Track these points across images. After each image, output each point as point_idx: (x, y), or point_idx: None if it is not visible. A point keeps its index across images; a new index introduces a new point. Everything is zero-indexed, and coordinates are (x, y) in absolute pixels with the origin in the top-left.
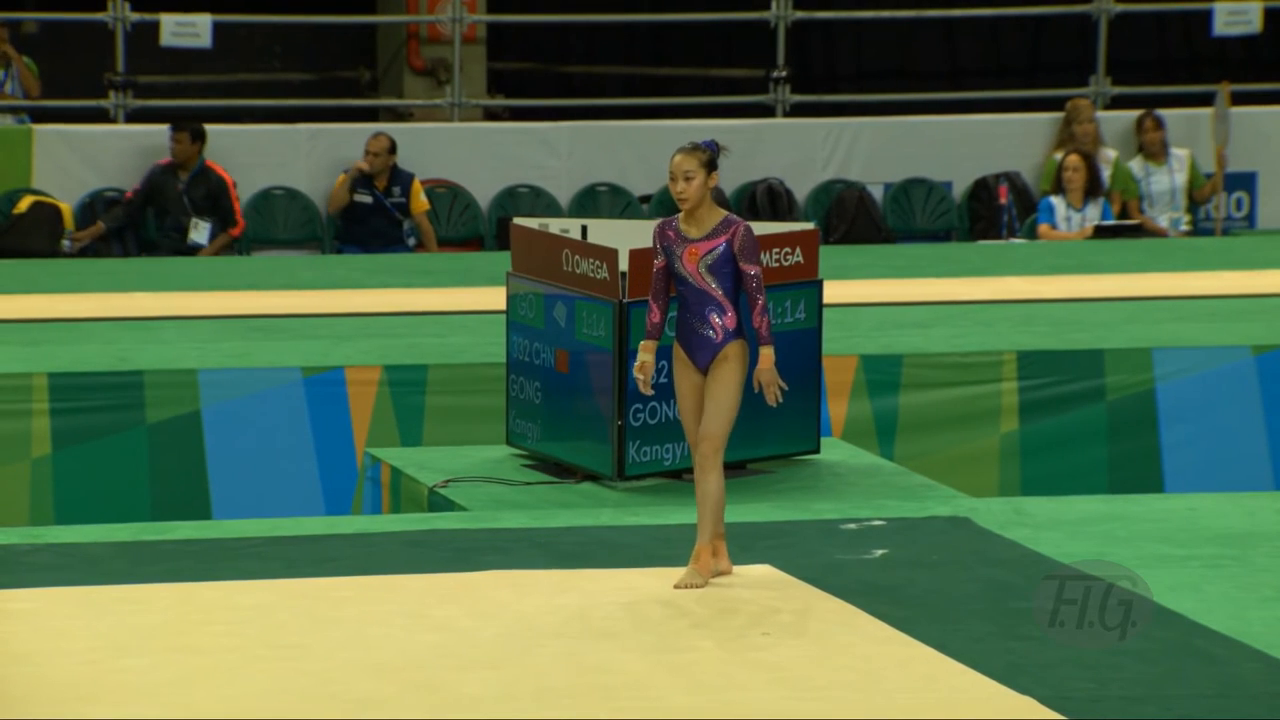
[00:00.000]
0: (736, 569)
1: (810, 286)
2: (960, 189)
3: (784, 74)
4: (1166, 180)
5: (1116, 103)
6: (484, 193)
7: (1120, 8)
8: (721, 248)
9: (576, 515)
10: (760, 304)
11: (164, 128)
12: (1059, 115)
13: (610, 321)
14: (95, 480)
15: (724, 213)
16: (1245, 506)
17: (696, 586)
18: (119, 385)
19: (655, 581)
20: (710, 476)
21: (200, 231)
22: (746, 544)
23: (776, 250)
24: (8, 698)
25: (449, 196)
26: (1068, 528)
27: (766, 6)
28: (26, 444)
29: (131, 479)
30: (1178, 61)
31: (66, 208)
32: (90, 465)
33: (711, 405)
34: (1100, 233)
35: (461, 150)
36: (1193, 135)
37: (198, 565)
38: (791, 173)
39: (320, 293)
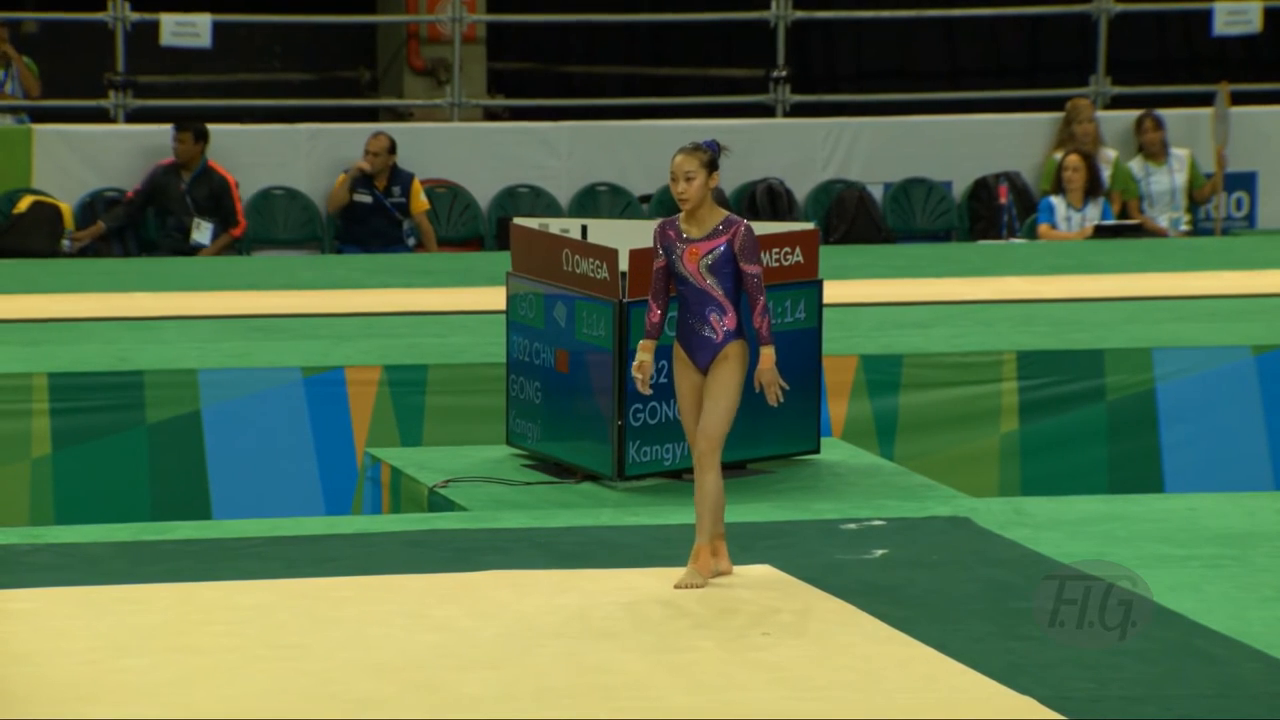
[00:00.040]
0: (736, 569)
1: (810, 286)
2: (960, 189)
3: (784, 74)
4: (1166, 180)
5: (1116, 103)
6: (484, 193)
7: (1120, 8)
8: (722, 248)
9: (576, 515)
10: (761, 304)
11: (164, 128)
12: (1059, 115)
13: (610, 321)
14: (95, 480)
15: (725, 213)
16: (1245, 506)
17: (696, 586)
18: (119, 385)
19: (655, 581)
20: (708, 475)
21: (203, 232)
22: (746, 544)
23: (776, 250)
24: (8, 698)
25: (449, 196)
26: (1068, 528)
27: (766, 6)
28: (26, 444)
29: (131, 479)
30: (1178, 61)
31: (66, 208)
32: (90, 465)
33: (710, 404)
34: (1100, 233)
35: (461, 150)
36: (1193, 135)
37: (198, 565)
38: (791, 173)
39: (320, 293)
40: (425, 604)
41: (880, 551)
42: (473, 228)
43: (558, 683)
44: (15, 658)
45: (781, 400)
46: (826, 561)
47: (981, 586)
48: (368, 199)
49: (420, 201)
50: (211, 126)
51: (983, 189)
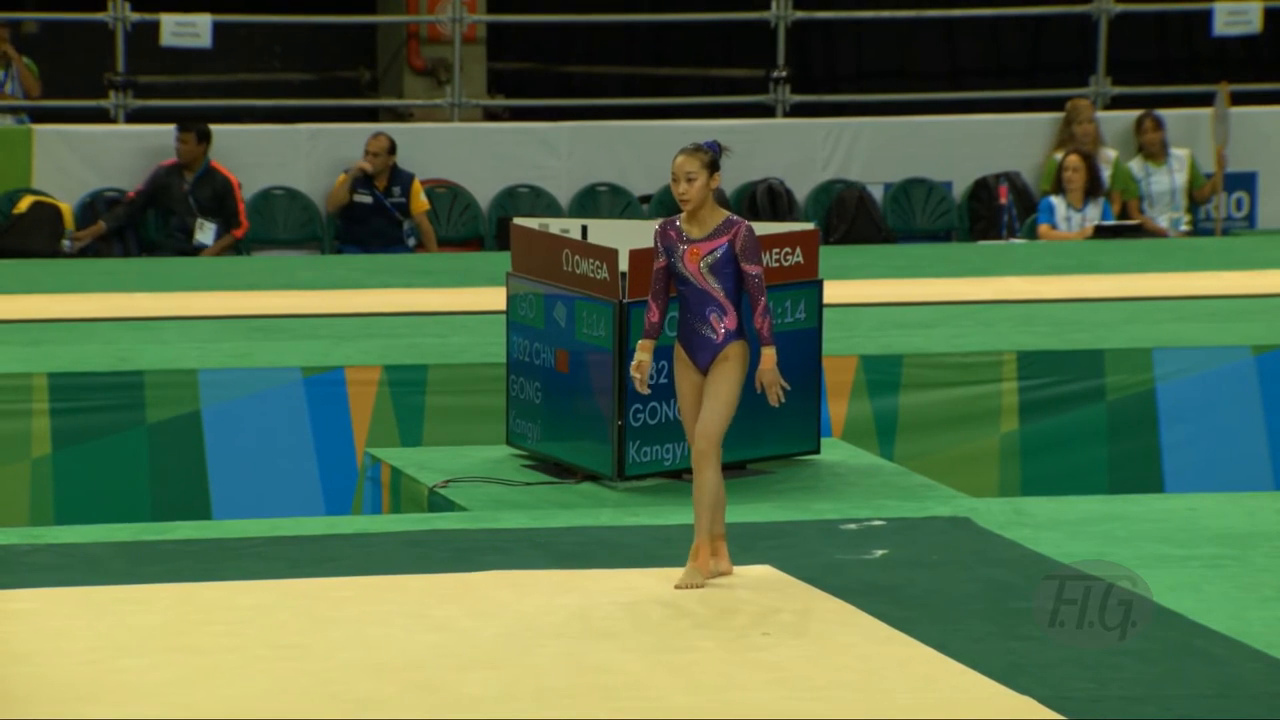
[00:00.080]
0: (736, 569)
1: (810, 286)
2: (960, 189)
3: (784, 74)
4: (1166, 180)
5: (1116, 103)
6: (484, 193)
7: (1120, 8)
8: (723, 248)
9: (576, 515)
10: (762, 304)
11: (164, 128)
12: (1059, 115)
13: (610, 321)
14: (95, 480)
15: (726, 213)
16: (1245, 506)
17: (697, 586)
18: (119, 385)
19: (655, 581)
20: (706, 474)
21: (206, 232)
22: (746, 544)
23: (777, 250)
24: (8, 698)
25: (449, 196)
26: (1068, 528)
27: (766, 6)
28: (26, 444)
29: (131, 479)
30: (1178, 61)
31: (67, 208)
32: (90, 465)
33: (709, 403)
34: (1100, 233)
35: (461, 150)
36: (1193, 135)
37: (198, 565)
38: (791, 173)
39: (320, 293)
40: (425, 604)
41: (880, 551)
42: (473, 228)
43: (558, 683)
44: (15, 658)
45: (783, 401)
46: (826, 562)
47: (981, 586)
48: (368, 199)
49: (420, 202)
50: (211, 126)
51: (983, 189)
